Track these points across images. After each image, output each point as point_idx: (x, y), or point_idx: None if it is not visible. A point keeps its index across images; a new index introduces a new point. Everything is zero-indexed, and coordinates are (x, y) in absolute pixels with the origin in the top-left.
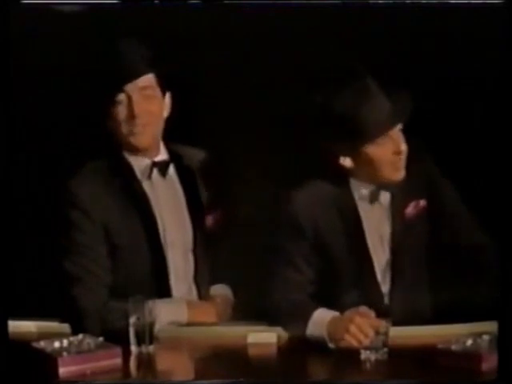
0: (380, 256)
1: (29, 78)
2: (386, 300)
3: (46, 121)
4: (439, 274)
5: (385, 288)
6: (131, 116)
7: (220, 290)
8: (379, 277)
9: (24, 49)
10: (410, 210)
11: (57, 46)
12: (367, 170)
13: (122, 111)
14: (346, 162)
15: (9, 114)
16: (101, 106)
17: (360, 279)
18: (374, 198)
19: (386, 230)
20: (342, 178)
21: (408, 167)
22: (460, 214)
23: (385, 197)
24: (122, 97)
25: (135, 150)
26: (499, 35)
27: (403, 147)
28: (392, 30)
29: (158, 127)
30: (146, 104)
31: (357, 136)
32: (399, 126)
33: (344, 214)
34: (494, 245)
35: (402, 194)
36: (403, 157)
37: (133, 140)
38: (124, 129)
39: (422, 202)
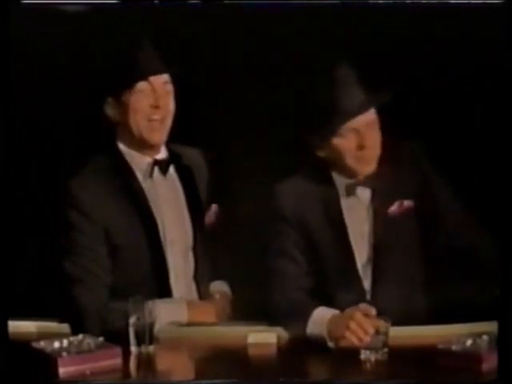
0: (361, 251)
1: (29, 78)
2: (368, 296)
3: (46, 121)
4: (439, 274)
5: (367, 284)
6: (155, 106)
7: (218, 287)
8: (361, 272)
9: (24, 49)
10: (394, 208)
11: (57, 46)
12: (338, 162)
13: (143, 100)
14: (321, 153)
15: (9, 114)
16: (107, 102)
17: (343, 273)
18: (349, 192)
19: (366, 226)
20: (324, 170)
21: (398, 167)
22: (457, 215)
23: (363, 192)
24: (144, 86)
25: (142, 146)
26: (499, 35)
27: (369, 142)
28: (392, 30)
29: (169, 124)
30: (167, 98)
31: (323, 124)
32: (369, 120)
33: (327, 207)
34: (492, 244)
35: (385, 192)
36: (370, 152)
37: (147, 135)
38: (141, 122)
39: (407, 203)
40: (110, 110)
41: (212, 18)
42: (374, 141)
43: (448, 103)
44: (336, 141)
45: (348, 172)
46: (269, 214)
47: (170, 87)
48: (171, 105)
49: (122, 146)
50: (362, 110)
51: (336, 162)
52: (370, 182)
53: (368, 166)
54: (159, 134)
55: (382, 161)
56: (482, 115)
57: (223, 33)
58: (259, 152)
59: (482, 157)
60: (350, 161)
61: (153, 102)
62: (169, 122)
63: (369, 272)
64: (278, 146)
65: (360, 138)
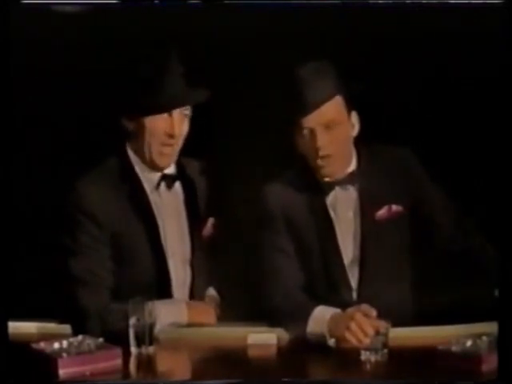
0: (348, 251)
1: (29, 78)
2: (355, 295)
3: (46, 121)
4: (438, 275)
5: (354, 282)
6: (170, 135)
7: (206, 291)
8: (348, 271)
9: (24, 49)
10: (382, 212)
11: (57, 46)
12: (310, 162)
13: (160, 126)
14: (299, 151)
15: (9, 114)
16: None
17: (330, 271)
18: (328, 191)
19: (353, 226)
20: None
21: (388, 171)
22: (453, 219)
23: (347, 192)
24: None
25: (150, 165)
26: (499, 35)
27: (321, 142)
28: (392, 30)
29: (180, 146)
30: (183, 123)
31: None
32: (325, 120)
33: (313, 204)
34: (491, 246)
35: (372, 194)
36: (326, 152)
37: (157, 159)
38: (154, 145)
39: (396, 207)
40: (126, 122)
41: (212, 17)
42: (325, 141)
43: (447, 104)
44: (298, 140)
45: (318, 171)
46: (260, 215)
47: (188, 111)
48: (186, 128)
49: (132, 155)
50: (317, 100)
51: (309, 162)
52: (349, 182)
53: (328, 168)
54: (169, 158)
55: (366, 163)
56: (481, 116)
57: (223, 33)
58: (259, 156)
59: (481, 158)
60: (313, 164)
61: (168, 129)
62: (180, 144)
63: (356, 271)
64: (279, 152)
65: (313, 141)
